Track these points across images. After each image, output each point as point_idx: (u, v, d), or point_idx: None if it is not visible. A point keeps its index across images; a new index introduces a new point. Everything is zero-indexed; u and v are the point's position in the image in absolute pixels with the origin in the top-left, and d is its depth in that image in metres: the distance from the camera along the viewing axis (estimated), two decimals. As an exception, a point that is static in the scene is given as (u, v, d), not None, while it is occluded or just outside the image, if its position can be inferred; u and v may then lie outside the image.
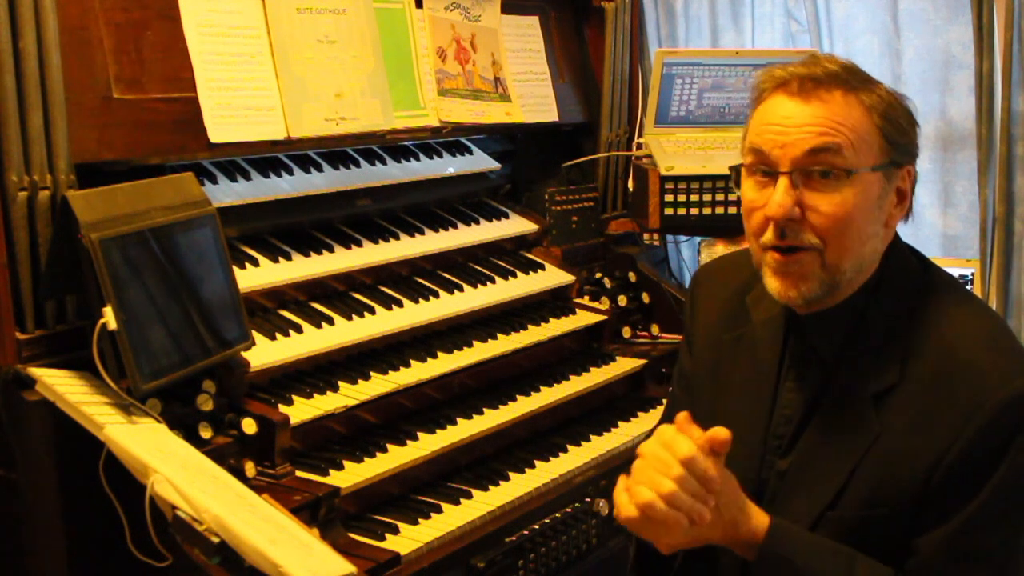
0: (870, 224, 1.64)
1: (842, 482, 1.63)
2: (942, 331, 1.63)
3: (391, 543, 2.20)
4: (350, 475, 2.28)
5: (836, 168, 1.59)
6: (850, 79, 1.63)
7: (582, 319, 3.15)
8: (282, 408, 2.28)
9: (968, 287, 3.22)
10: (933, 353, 1.62)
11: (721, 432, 1.54)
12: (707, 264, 2.06)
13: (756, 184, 1.66)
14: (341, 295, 2.72)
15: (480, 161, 3.29)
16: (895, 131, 1.63)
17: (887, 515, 1.61)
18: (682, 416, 1.58)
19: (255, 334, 2.31)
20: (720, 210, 3.34)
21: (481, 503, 2.41)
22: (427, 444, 2.46)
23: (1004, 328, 1.69)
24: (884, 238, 1.68)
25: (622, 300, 3.28)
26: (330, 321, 2.57)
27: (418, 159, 3.11)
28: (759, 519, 1.62)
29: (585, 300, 3.26)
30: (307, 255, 2.68)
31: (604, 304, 3.24)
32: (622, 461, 2.73)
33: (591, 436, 2.82)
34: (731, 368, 1.83)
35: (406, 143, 3.08)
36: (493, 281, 3.06)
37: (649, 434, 2.08)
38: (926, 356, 1.62)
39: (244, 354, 2.25)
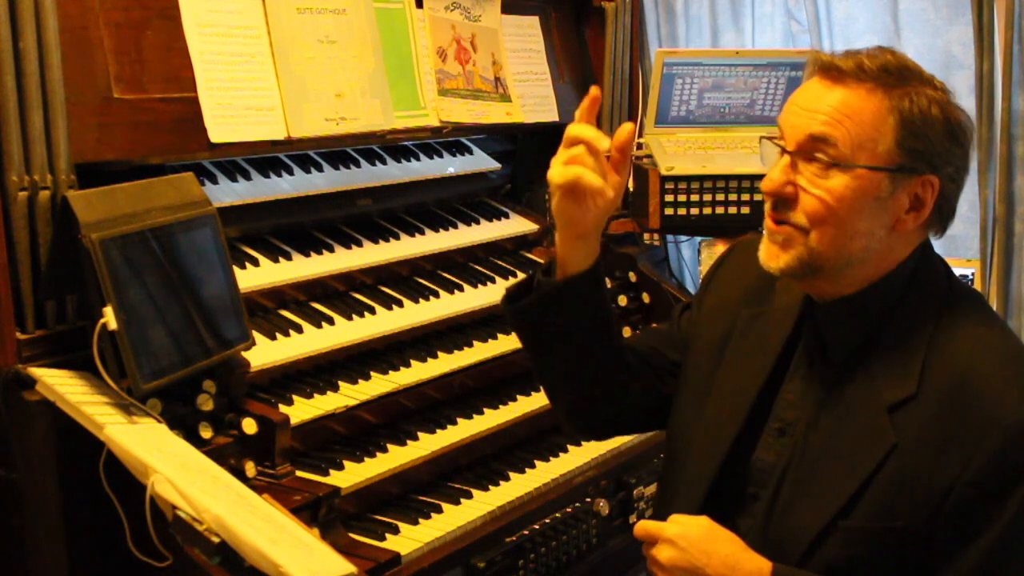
0: (862, 221, 1.63)
1: (855, 490, 1.61)
2: (964, 348, 1.62)
3: (391, 543, 2.20)
4: (350, 475, 2.28)
5: (829, 157, 1.61)
6: (889, 76, 1.62)
7: (582, 319, 3.15)
8: (282, 408, 2.28)
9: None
10: (953, 370, 1.60)
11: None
12: (751, 238, 2.05)
13: (777, 158, 1.69)
14: (341, 295, 2.72)
15: (480, 161, 3.29)
16: (912, 137, 1.61)
17: (899, 530, 1.59)
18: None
19: (255, 334, 2.31)
20: (720, 210, 3.33)
21: (481, 503, 2.40)
22: (427, 444, 2.46)
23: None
24: (889, 241, 1.67)
25: (622, 300, 3.28)
26: (330, 321, 2.57)
27: (418, 159, 3.11)
28: (759, 564, 1.63)
29: (585, 300, 3.25)
30: (307, 255, 2.68)
31: (604, 304, 3.24)
32: (622, 461, 2.73)
33: (591, 436, 2.82)
34: (740, 343, 1.84)
35: (406, 143, 3.08)
36: (493, 281, 3.05)
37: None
38: (946, 372, 1.61)
39: (244, 354, 2.25)
